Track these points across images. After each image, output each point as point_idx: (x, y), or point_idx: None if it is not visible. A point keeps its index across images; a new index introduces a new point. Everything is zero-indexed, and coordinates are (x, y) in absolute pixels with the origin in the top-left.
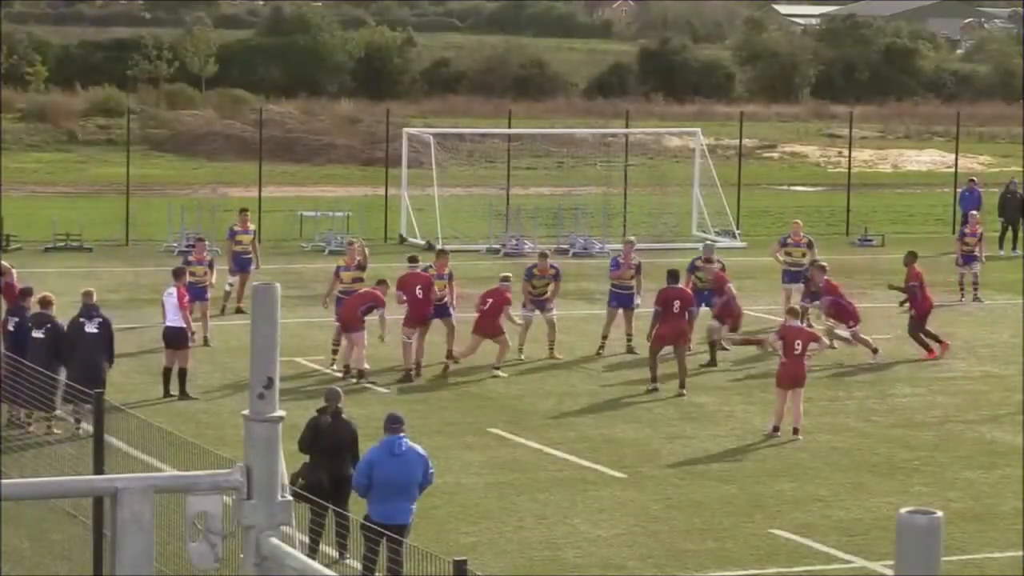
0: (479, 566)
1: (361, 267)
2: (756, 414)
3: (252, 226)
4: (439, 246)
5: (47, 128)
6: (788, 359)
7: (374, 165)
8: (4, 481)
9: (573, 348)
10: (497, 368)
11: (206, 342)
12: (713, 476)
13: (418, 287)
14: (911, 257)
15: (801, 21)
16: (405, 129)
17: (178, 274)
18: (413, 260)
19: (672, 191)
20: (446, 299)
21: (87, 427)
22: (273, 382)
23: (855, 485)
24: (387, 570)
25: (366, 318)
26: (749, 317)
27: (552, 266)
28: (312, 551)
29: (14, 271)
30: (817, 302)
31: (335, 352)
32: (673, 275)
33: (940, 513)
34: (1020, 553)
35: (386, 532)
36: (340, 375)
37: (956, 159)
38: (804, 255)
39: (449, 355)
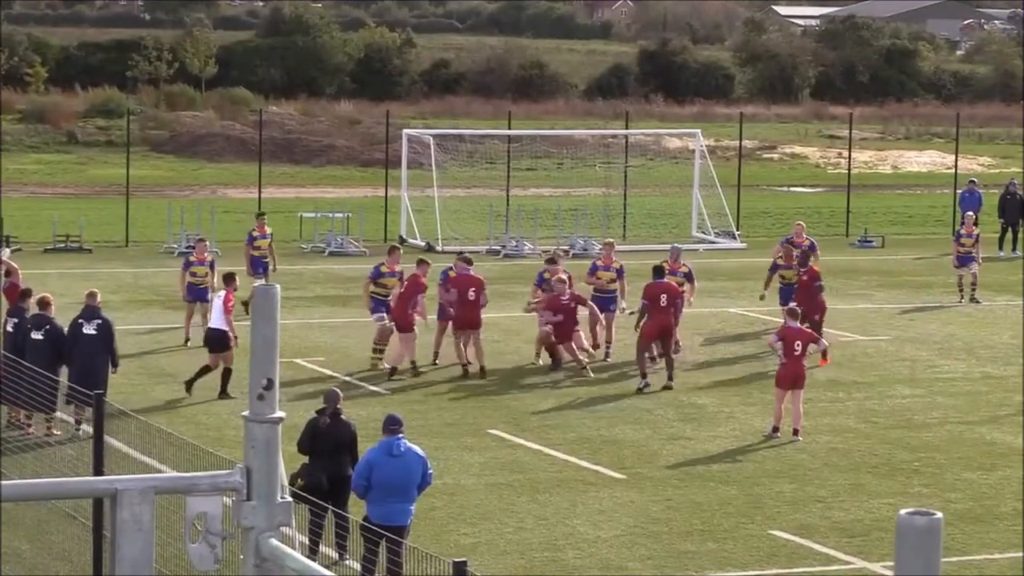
0: (479, 567)
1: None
2: (756, 415)
3: (270, 230)
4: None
5: (47, 129)
6: (788, 360)
7: (374, 166)
8: (4, 482)
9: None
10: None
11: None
12: (713, 477)
13: (471, 289)
14: (805, 257)
15: (801, 22)
16: (405, 130)
17: (228, 279)
18: (467, 261)
19: (672, 192)
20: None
21: (87, 428)
22: (273, 383)
23: (855, 486)
24: (387, 571)
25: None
26: (747, 319)
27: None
28: (312, 552)
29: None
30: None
31: (378, 353)
32: (658, 270)
33: (940, 514)
34: (1020, 554)
35: (385, 533)
36: (388, 374)
37: (956, 160)
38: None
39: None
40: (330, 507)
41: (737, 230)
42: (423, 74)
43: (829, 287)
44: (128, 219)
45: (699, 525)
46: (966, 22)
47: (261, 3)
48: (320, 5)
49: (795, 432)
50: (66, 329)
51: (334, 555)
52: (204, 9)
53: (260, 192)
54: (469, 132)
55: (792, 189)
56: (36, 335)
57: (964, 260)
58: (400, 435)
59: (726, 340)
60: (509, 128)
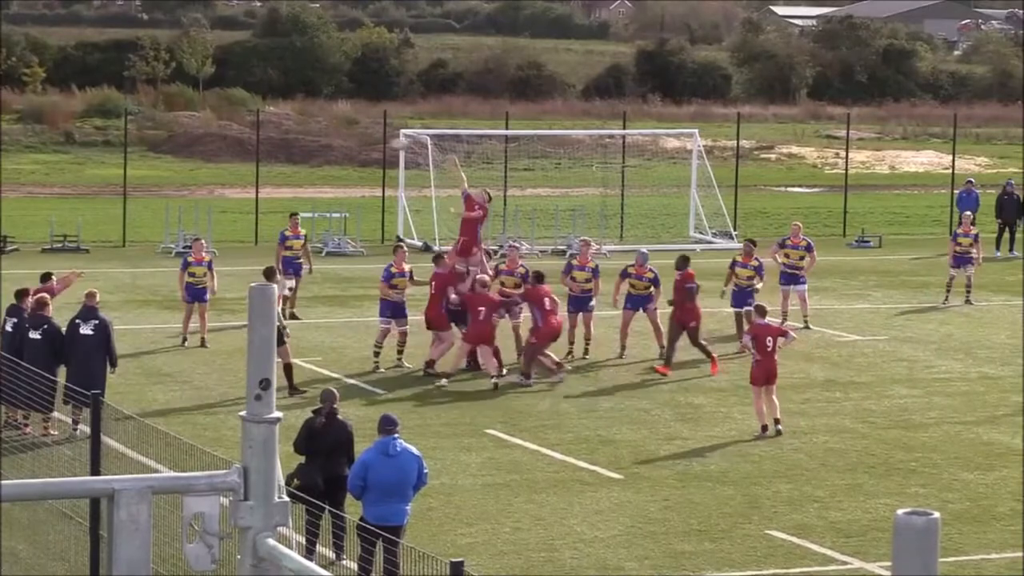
0: (476, 567)
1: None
2: (753, 416)
3: (303, 231)
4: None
5: (44, 129)
6: (763, 357)
7: (371, 166)
8: (2, 482)
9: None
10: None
11: (203, 343)
12: (710, 477)
13: (481, 308)
14: (684, 261)
15: (798, 22)
16: (402, 130)
17: (269, 274)
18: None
19: (669, 192)
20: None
21: (84, 428)
22: (270, 383)
23: (852, 486)
24: (383, 571)
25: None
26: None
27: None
28: (308, 552)
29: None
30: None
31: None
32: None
33: (937, 514)
34: (1018, 554)
35: (382, 533)
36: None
37: (953, 160)
38: (802, 257)
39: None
40: (327, 507)
41: (734, 230)
42: (420, 74)
43: (826, 287)
44: (125, 219)
45: (696, 525)
46: (963, 22)
47: (258, 3)
48: (317, 5)
49: (776, 422)
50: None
51: (331, 555)
52: (201, 9)
53: (257, 192)
54: (467, 132)
55: (789, 189)
56: (34, 335)
57: (960, 260)
58: (396, 435)
59: (723, 340)
60: (507, 128)
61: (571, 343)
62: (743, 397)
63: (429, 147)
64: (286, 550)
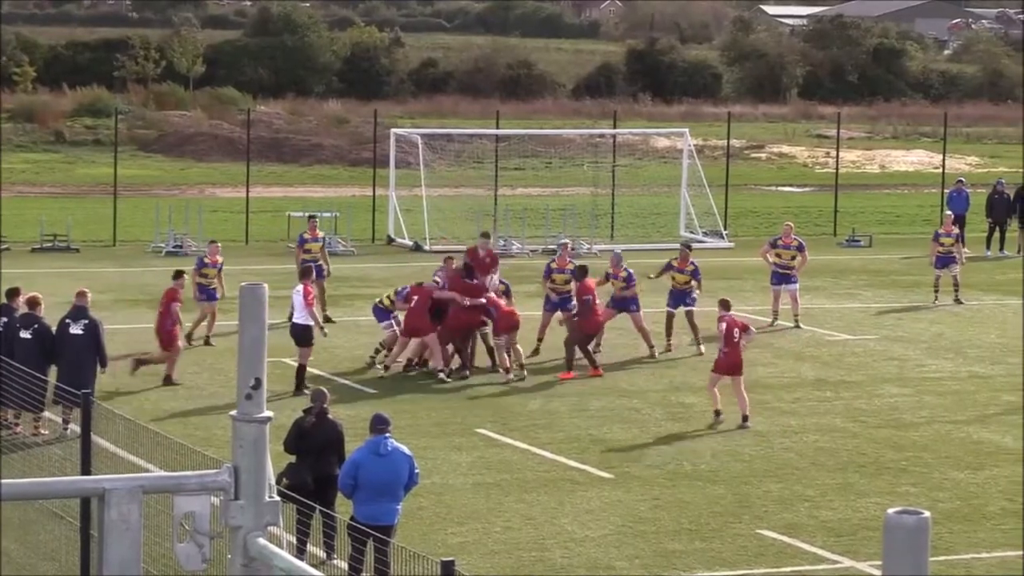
0: (467, 567)
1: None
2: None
3: (321, 234)
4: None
5: (34, 129)
6: (729, 348)
7: (362, 165)
8: None
9: (559, 349)
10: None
11: (207, 342)
12: (701, 476)
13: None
14: (582, 272)
15: (789, 21)
16: (393, 129)
17: (305, 273)
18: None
19: (660, 192)
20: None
21: (75, 428)
22: (261, 383)
23: (843, 485)
24: (374, 571)
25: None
26: (752, 317)
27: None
28: (299, 552)
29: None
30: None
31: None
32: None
33: (928, 513)
34: (1007, 553)
35: (373, 533)
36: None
37: (944, 159)
38: (794, 257)
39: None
40: (317, 506)
41: (725, 229)
42: (411, 73)
43: (817, 287)
44: (116, 219)
45: (687, 524)
46: (954, 21)
47: (249, 3)
48: (308, 4)
49: (744, 419)
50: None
51: (322, 555)
52: (192, 8)
53: (248, 191)
54: (457, 131)
55: (780, 188)
56: (24, 334)
57: (944, 260)
58: (387, 434)
59: (713, 340)
60: (497, 127)
61: (540, 340)
62: (732, 396)
63: (420, 146)
64: (277, 549)
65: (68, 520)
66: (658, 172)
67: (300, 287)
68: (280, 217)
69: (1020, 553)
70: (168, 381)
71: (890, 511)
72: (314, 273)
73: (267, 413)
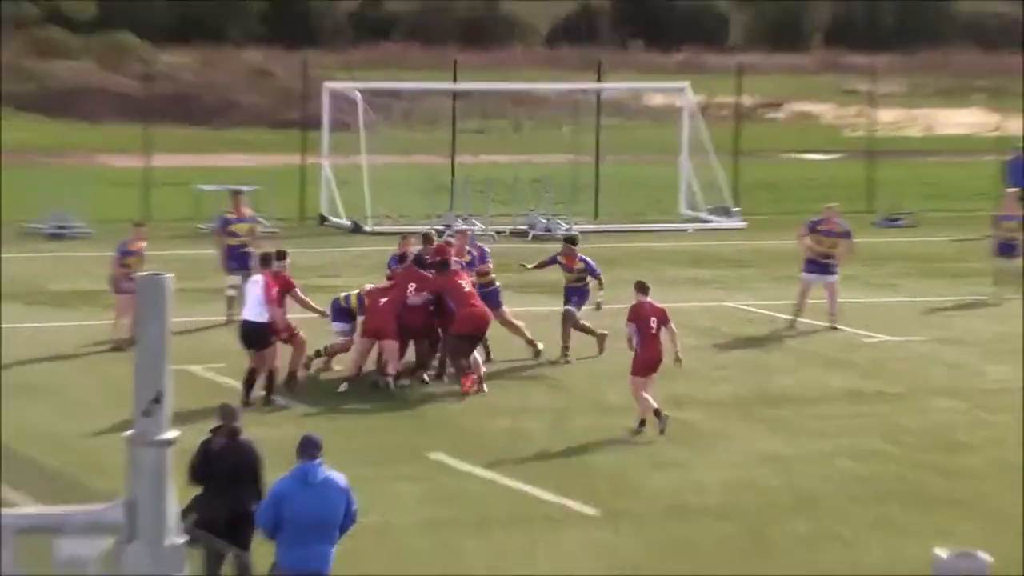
0: None
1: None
2: (759, 436)
3: (249, 212)
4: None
5: None
6: (646, 343)
7: (288, 128)
8: None
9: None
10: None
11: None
12: (708, 512)
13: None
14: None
15: None
16: (326, 83)
17: (266, 260)
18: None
19: (655, 160)
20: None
21: None
22: (162, 396)
23: (881, 521)
24: None
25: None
26: (748, 315)
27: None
28: None
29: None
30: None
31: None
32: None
33: (987, 557)
34: None
35: None
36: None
37: (1002, 120)
38: (835, 246)
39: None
40: (229, 550)
41: (735, 206)
42: (350, 16)
43: (849, 276)
44: None
45: (690, 571)
46: None
47: None
48: None
49: (642, 423)
50: None
51: None
52: None
53: (148, 160)
54: (405, 86)
55: (802, 156)
56: None
57: (1005, 248)
58: (318, 460)
59: (722, 341)
60: (454, 81)
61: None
62: (746, 413)
63: (360, 104)
64: None
65: None
66: (653, 136)
67: (259, 277)
68: (186, 191)
69: None
70: (292, 378)
71: (939, 552)
72: (274, 260)
73: (170, 434)
